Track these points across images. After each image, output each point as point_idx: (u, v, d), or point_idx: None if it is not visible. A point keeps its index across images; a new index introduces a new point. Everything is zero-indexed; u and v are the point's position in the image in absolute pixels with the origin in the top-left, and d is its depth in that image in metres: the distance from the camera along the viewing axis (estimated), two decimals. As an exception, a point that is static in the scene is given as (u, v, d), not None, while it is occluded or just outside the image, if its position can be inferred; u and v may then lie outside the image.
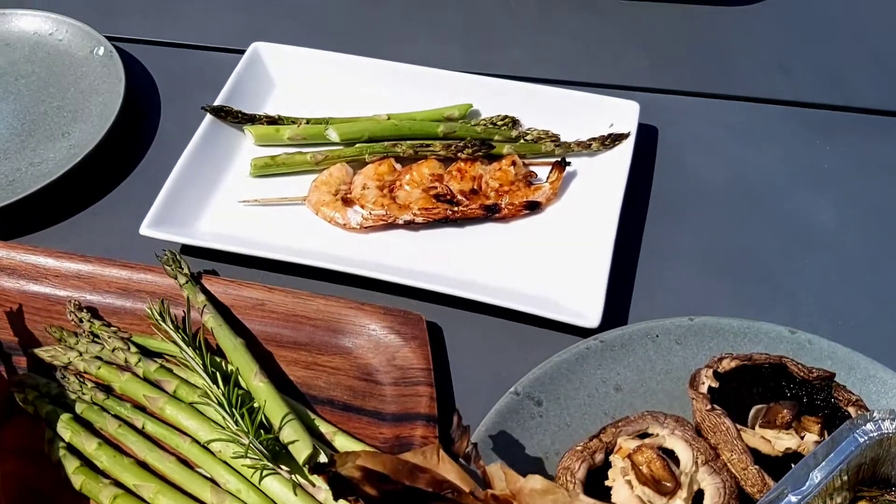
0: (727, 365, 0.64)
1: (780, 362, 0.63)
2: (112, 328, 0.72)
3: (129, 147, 0.89)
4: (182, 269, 0.73)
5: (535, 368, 0.66)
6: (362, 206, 0.80)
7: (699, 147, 0.88)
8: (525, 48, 0.99)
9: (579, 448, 0.60)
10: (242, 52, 0.92)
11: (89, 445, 0.64)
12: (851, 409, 0.61)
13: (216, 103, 0.86)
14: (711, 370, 0.63)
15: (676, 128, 0.90)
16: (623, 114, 0.84)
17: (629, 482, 0.58)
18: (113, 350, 0.69)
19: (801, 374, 0.63)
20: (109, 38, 0.95)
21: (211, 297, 0.73)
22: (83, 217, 0.83)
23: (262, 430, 0.62)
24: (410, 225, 0.79)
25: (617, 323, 0.73)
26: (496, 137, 0.85)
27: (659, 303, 0.76)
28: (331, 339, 0.72)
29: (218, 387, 0.65)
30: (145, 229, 0.75)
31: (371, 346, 0.71)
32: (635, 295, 0.76)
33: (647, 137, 0.88)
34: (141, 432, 0.65)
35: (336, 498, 0.53)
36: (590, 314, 0.70)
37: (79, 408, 0.66)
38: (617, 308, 0.75)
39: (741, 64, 0.97)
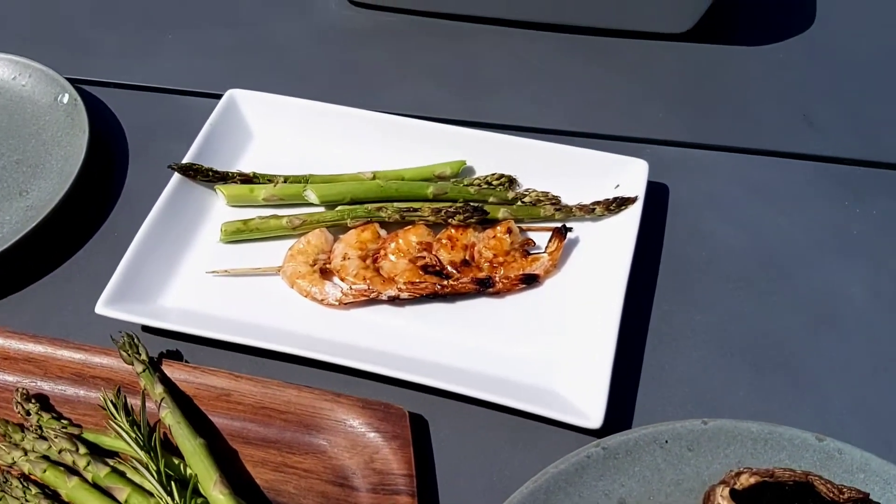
0: (745, 481, 0.56)
1: (806, 480, 0.56)
2: (63, 421, 0.65)
3: (92, 206, 0.81)
4: (140, 354, 0.66)
5: (529, 482, 0.58)
6: (342, 279, 0.73)
7: (714, 208, 0.80)
8: (525, 96, 0.91)
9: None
10: (218, 97, 0.85)
11: (29, 564, 0.58)
12: (888, 539, 0.54)
13: (186, 158, 0.79)
14: (728, 488, 0.56)
15: (689, 186, 0.82)
16: (630, 174, 0.76)
17: None
18: (60, 451, 0.62)
19: (831, 494, 0.55)
20: (77, 82, 0.88)
21: (171, 387, 0.66)
22: (37, 288, 0.75)
23: (219, 553, 0.56)
24: (395, 301, 0.72)
25: (622, 418, 0.66)
26: (491, 199, 0.77)
27: (668, 394, 0.68)
28: (303, 435, 0.65)
29: (173, 498, 0.58)
30: (101, 308, 0.68)
31: (347, 444, 0.64)
32: (642, 385, 0.69)
33: (656, 196, 0.80)
34: (88, 547, 0.59)
35: None
36: (592, 413, 0.63)
37: (20, 517, 0.60)
38: (622, 400, 0.67)
39: (761, 114, 0.88)
